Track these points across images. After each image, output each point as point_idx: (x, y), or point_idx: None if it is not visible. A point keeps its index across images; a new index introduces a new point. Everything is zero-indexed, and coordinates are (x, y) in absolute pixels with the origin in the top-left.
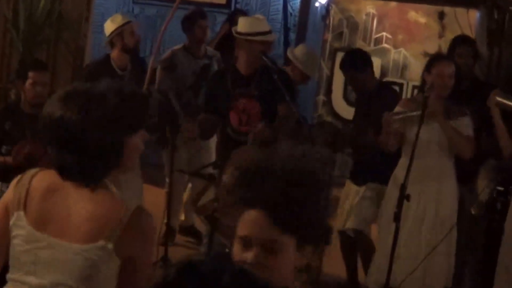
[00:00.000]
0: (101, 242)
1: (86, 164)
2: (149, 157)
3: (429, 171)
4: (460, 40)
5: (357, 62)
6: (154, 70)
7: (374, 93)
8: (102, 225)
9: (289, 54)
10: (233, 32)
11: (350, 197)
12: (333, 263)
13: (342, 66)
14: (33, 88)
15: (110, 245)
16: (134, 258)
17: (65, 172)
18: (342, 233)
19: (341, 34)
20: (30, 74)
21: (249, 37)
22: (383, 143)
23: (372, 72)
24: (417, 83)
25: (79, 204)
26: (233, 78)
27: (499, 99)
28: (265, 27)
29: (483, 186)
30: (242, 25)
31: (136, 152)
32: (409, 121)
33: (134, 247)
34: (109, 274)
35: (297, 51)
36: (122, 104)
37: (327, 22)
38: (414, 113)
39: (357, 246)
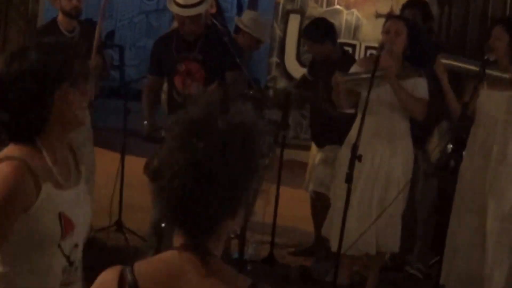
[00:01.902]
0: None
1: (16, 121)
2: (102, 120)
3: (381, 131)
4: (409, 3)
5: (317, 33)
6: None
7: (336, 64)
8: None
9: (237, 22)
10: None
11: (311, 158)
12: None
13: (303, 36)
14: None
15: None
16: None
17: (4, 133)
18: (310, 193)
19: None
20: None
21: (174, 11)
22: (336, 101)
23: (333, 44)
24: (370, 44)
25: None
26: (177, 42)
27: (445, 61)
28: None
29: (434, 147)
30: None
31: (68, 106)
32: (364, 82)
33: None
34: None
35: (245, 18)
36: (43, 56)
37: None
38: (364, 76)
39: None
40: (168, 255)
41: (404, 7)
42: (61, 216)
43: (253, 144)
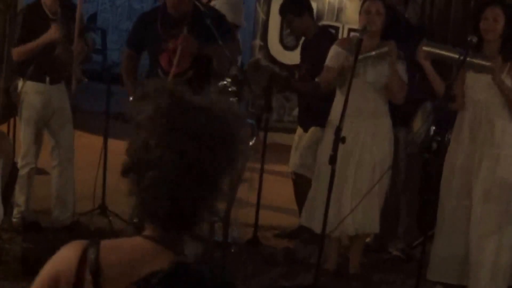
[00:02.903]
0: None
1: None
2: (85, 104)
3: (364, 111)
4: None
5: (294, 6)
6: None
7: (314, 39)
8: None
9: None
10: None
11: (295, 140)
12: None
13: (280, 11)
14: None
15: None
16: None
17: None
18: (294, 176)
19: None
20: None
21: None
22: (326, 82)
23: (310, 17)
24: (353, 26)
25: None
26: (163, 20)
27: (426, 49)
28: None
29: (418, 128)
30: None
31: None
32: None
33: None
34: None
35: (217, 3)
36: None
37: None
38: (372, 53)
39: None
40: (137, 242)
41: None
42: None
43: (232, 133)
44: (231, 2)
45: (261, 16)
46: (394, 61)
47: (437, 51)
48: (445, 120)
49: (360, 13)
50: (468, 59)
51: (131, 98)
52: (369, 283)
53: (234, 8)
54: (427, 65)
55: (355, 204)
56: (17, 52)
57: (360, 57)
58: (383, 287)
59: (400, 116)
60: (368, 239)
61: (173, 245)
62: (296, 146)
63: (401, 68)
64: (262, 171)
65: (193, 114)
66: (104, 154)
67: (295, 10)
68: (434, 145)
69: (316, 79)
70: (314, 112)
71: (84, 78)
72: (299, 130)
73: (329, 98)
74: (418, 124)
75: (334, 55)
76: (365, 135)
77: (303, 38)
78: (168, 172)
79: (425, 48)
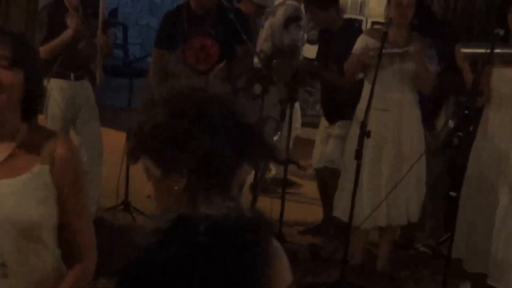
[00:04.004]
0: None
1: None
2: (107, 99)
3: (391, 103)
4: None
5: (320, 1)
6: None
7: (339, 32)
8: None
9: None
10: None
11: (320, 134)
12: None
13: (305, 4)
14: None
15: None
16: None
17: None
18: (318, 171)
19: None
20: None
21: None
22: (350, 71)
23: (337, 12)
24: (376, 19)
25: None
26: (189, 17)
27: (465, 50)
28: None
29: (443, 123)
30: None
31: None
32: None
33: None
34: None
35: None
36: None
37: None
38: (395, 50)
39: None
40: None
41: None
42: None
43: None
44: None
45: None
46: (420, 60)
47: (475, 50)
48: (468, 115)
49: (388, 3)
50: (498, 50)
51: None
52: (396, 280)
53: None
54: (465, 67)
55: (386, 196)
56: (44, 51)
57: (385, 51)
58: (410, 283)
59: (424, 111)
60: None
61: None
62: (321, 140)
63: (430, 57)
64: (286, 166)
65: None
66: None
67: (321, 3)
68: (456, 140)
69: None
70: (341, 104)
71: (103, 73)
72: (323, 124)
73: (356, 90)
74: (442, 119)
75: (361, 44)
76: (393, 127)
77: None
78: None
79: (463, 50)
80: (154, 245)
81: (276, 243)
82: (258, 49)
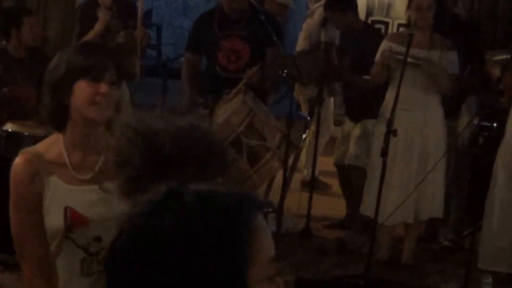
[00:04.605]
0: None
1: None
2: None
3: (415, 102)
4: None
5: (337, 2)
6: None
7: (359, 35)
8: None
9: None
10: None
11: (344, 132)
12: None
13: (324, 7)
14: (31, 31)
15: None
16: None
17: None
18: (339, 168)
19: None
20: (25, 19)
21: None
22: (376, 78)
23: (355, 15)
24: (402, 21)
25: None
26: (220, 19)
27: (497, 58)
28: None
29: (466, 122)
30: None
31: (81, 101)
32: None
33: None
34: None
35: None
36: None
37: None
38: (413, 60)
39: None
40: None
41: None
42: (66, 210)
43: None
44: None
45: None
46: (441, 71)
47: (504, 57)
48: (493, 114)
49: (409, 7)
50: None
51: (184, 100)
52: (420, 273)
53: None
54: (496, 73)
55: (410, 193)
56: None
57: (409, 59)
58: (434, 277)
59: (449, 108)
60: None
61: None
62: (343, 138)
63: (451, 58)
64: (315, 163)
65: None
66: None
67: (339, 6)
68: (481, 139)
69: (366, 77)
70: (365, 103)
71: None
72: (348, 123)
73: (379, 90)
74: (464, 119)
75: (384, 49)
76: (417, 126)
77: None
78: None
79: (496, 57)
80: (142, 216)
81: (261, 220)
82: (297, 50)
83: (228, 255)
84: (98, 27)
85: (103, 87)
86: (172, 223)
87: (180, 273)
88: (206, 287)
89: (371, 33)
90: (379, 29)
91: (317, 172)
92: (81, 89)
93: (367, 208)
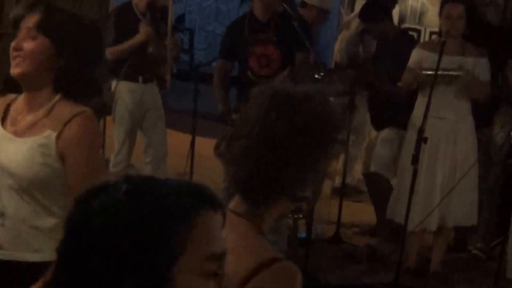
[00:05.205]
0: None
1: None
2: (173, 102)
3: (446, 110)
4: None
5: (372, 11)
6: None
7: (393, 42)
8: None
9: None
10: None
11: (368, 140)
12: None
13: (359, 15)
14: None
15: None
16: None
17: None
18: (366, 176)
19: None
20: None
21: None
22: (407, 84)
23: (390, 22)
24: (434, 29)
25: None
26: (251, 25)
27: None
28: None
29: (498, 131)
30: None
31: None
32: (430, 58)
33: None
34: None
35: None
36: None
37: None
38: (446, 73)
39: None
40: None
41: None
42: None
43: (325, 121)
44: None
45: (345, 18)
46: (473, 83)
47: None
48: None
49: (440, 15)
50: None
51: (220, 106)
52: (449, 282)
53: None
54: None
55: (440, 200)
56: (111, 52)
57: (439, 72)
58: (463, 286)
59: (480, 117)
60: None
61: (255, 220)
62: (368, 146)
63: (483, 65)
64: (345, 171)
65: (290, 100)
66: (191, 152)
67: (374, 15)
68: None
69: (398, 83)
70: (390, 111)
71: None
72: (372, 131)
73: (406, 98)
74: (497, 127)
75: (416, 57)
76: (448, 133)
77: None
78: (254, 143)
79: None
80: (85, 200)
81: (210, 217)
82: (334, 62)
83: (151, 240)
84: (138, 39)
85: (15, 42)
86: (103, 208)
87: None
88: (126, 267)
89: (406, 39)
90: (413, 37)
91: (355, 181)
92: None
93: (393, 214)
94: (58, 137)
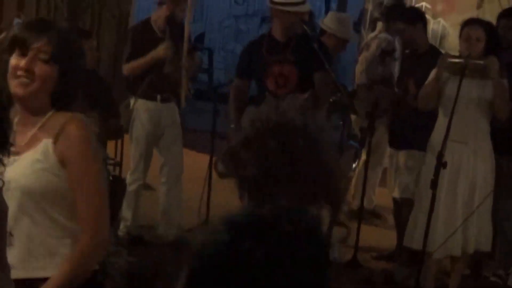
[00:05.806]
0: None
1: None
2: (192, 122)
3: (465, 132)
4: (502, 14)
5: (406, 13)
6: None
7: (425, 56)
8: None
9: (321, 24)
10: (268, 1)
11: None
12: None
13: (386, 17)
14: (88, 54)
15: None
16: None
17: None
18: (394, 199)
19: (381, 3)
20: (84, 42)
21: (280, 7)
22: (423, 102)
23: (424, 29)
24: (455, 53)
25: None
26: (269, 45)
27: None
28: None
29: None
30: None
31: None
32: (450, 79)
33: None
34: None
35: (327, 19)
36: None
37: None
38: (475, 61)
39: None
40: None
41: (498, 17)
42: None
43: (317, 151)
44: (341, 17)
45: (366, 40)
46: (496, 75)
47: None
48: None
49: (460, 37)
50: None
51: (232, 126)
52: None
53: (343, 22)
54: None
55: (459, 226)
56: (127, 68)
57: (471, 61)
58: None
59: (504, 142)
60: None
61: None
62: (392, 169)
63: (504, 86)
64: (363, 193)
65: (288, 129)
66: (209, 173)
67: (407, 17)
68: None
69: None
70: (410, 133)
71: (190, 93)
72: (391, 151)
73: (426, 119)
74: None
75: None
76: (468, 158)
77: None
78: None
79: None
80: (227, 241)
81: None
82: (356, 83)
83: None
84: (156, 53)
85: (24, 62)
86: (261, 248)
87: None
88: None
89: (435, 56)
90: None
91: (374, 204)
92: (11, 63)
93: (411, 240)
94: (55, 142)
